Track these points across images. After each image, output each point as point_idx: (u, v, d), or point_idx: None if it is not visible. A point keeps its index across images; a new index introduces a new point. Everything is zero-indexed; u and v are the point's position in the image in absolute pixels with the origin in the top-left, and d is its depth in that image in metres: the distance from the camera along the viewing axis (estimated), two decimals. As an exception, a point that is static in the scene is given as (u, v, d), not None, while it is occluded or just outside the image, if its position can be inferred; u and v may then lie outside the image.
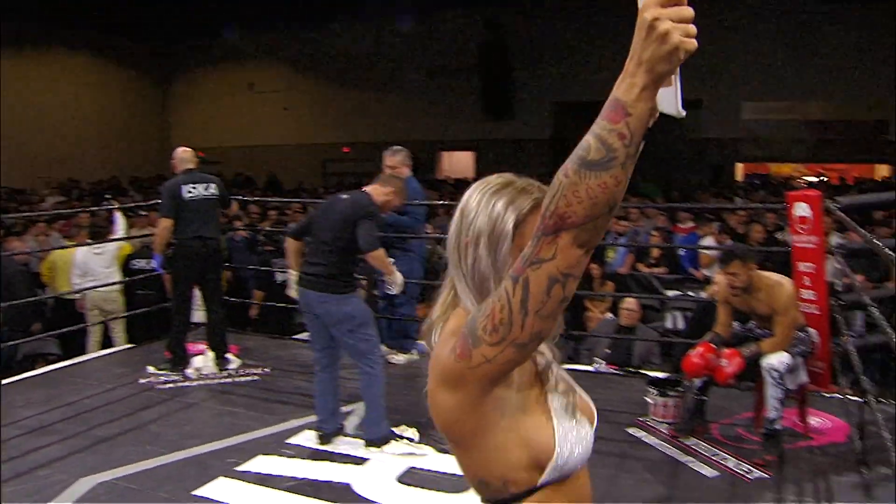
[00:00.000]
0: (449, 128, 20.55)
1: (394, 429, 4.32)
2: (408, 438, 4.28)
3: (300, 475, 3.95)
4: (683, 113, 1.17)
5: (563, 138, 20.01)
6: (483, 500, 1.33)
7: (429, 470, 3.96)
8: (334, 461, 4.15)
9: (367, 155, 22.14)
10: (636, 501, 3.63)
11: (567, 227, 1.06)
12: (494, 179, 1.34)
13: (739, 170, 19.55)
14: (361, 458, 4.20)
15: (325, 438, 4.36)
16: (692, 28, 1.00)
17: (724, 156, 18.91)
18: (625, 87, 1.03)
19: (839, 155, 18.48)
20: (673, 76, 1.11)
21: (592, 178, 1.04)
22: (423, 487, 3.80)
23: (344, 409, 4.62)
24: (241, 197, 10.75)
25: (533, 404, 1.29)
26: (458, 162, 22.34)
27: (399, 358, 6.06)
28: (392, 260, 5.36)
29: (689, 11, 1.00)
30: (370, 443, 4.28)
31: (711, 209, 10.20)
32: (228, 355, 5.94)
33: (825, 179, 18.14)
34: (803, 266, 4.58)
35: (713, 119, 18.44)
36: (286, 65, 23.01)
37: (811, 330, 4.40)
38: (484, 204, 1.29)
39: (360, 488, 3.81)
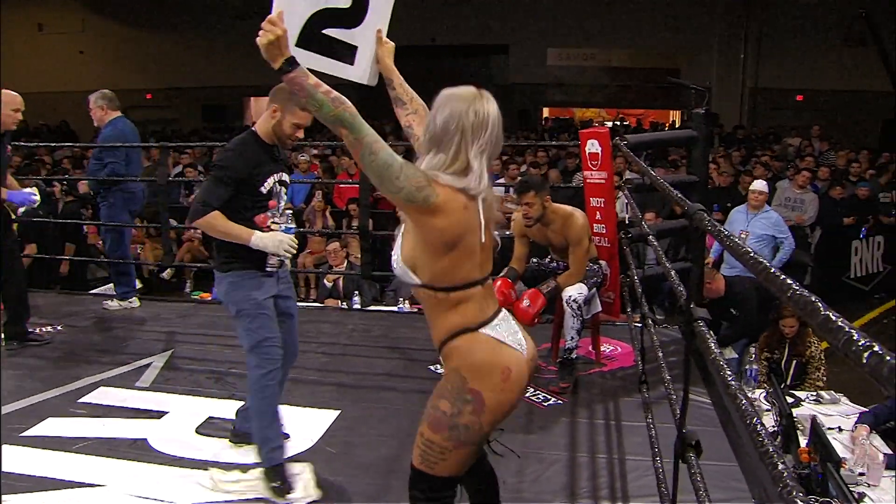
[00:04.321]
0: (256, 72, 19.80)
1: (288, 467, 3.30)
2: (287, 484, 3.21)
3: (93, 434, 3.72)
4: (373, 82, 2.49)
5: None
6: None
7: (229, 419, 3.84)
8: (130, 417, 3.95)
9: (171, 101, 21.17)
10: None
11: None
12: None
13: (544, 114, 20.19)
14: (159, 411, 4.02)
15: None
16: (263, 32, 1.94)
17: (529, 100, 19.50)
18: None
19: (638, 101, 19.59)
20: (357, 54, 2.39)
21: None
22: (222, 438, 3.69)
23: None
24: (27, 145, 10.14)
25: None
26: (265, 107, 21.62)
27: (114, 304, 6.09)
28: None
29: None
30: (259, 466, 3.28)
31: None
32: None
33: (625, 123, 19.13)
34: (595, 201, 4.79)
35: (519, 65, 18.99)
36: (80, 4, 21.17)
37: (602, 262, 4.62)
38: None
39: (156, 443, 3.64)
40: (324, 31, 2.27)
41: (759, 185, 7.05)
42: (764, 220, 6.83)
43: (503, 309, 2.14)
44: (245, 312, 3.22)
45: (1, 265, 4.99)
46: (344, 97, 1.93)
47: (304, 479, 3.25)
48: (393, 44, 2.46)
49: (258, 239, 3.16)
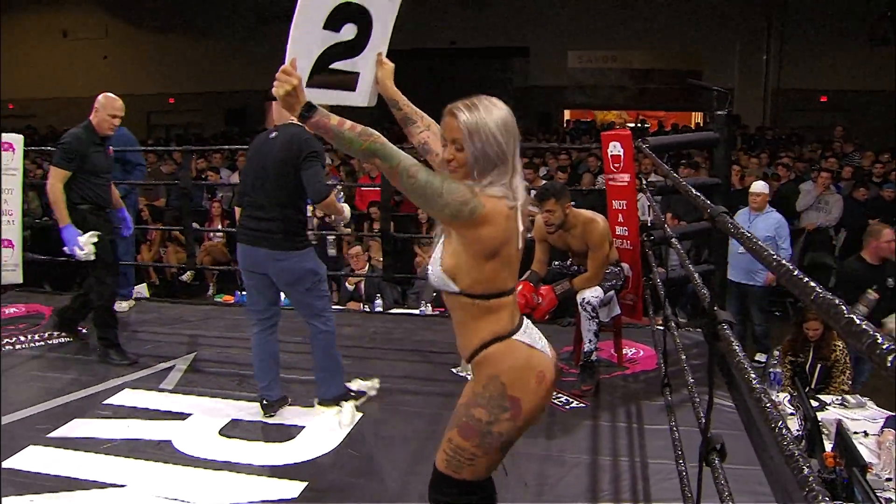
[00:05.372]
0: (278, 76, 19.99)
1: (348, 384, 4.09)
2: (359, 393, 4.11)
3: (118, 436, 3.75)
4: (372, 103, 2.43)
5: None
6: None
7: (252, 421, 3.88)
8: (155, 419, 3.98)
9: (193, 105, 21.33)
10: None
11: None
12: None
13: (566, 116, 20.14)
14: (183, 413, 4.05)
15: (269, 409, 3.96)
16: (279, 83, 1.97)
17: (550, 103, 19.47)
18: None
19: (659, 103, 19.52)
20: (359, 80, 2.37)
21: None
22: (245, 439, 3.72)
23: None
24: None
25: None
26: (285, 111, 21.73)
27: (123, 305, 6.14)
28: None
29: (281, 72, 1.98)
30: (324, 401, 3.96)
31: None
32: None
33: (646, 125, 19.06)
34: (616, 203, 4.77)
35: (540, 67, 18.97)
36: (104, 10, 21.38)
37: (624, 265, 4.60)
38: None
39: (180, 444, 3.66)
40: (331, 66, 2.27)
41: (758, 186, 7.00)
42: (766, 221, 6.80)
43: (524, 317, 2.14)
44: (321, 278, 3.86)
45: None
46: (370, 128, 1.92)
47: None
48: (392, 65, 2.41)
49: (346, 209, 4.15)
